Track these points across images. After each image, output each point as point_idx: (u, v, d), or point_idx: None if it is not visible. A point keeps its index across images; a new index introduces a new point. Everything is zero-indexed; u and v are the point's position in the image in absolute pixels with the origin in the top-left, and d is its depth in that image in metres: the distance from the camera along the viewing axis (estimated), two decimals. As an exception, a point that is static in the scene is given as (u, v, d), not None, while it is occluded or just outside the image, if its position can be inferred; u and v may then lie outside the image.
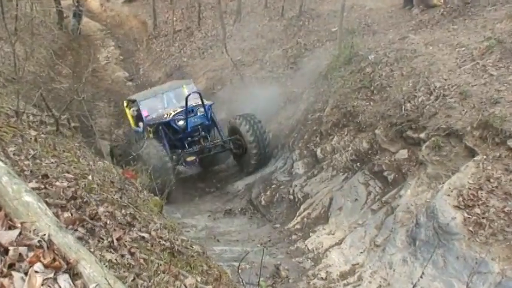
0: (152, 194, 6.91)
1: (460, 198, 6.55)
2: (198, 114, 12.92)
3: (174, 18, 24.19)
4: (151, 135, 13.26)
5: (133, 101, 14.37)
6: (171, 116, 12.84)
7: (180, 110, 12.79)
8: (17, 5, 13.21)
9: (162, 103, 13.79)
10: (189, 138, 13.20)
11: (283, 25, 18.67)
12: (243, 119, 12.96)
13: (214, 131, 13.79)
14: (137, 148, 11.94)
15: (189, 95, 12.52)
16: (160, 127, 13.07)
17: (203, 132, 13.31)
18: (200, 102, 12.64)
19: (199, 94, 12.69)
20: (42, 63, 17.54)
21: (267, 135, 12.94)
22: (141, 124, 13.90)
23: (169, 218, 6.57)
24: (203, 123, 13.06)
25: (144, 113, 13.50)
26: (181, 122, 12.75)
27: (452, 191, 6.72)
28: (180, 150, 12.90)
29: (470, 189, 6.61)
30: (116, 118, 18.40)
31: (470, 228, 6.16)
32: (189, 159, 12.74)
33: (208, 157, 13.70)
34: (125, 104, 15.35)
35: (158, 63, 22.81)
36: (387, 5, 16.07)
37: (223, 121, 14.04)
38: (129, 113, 14.81)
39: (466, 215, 6.33)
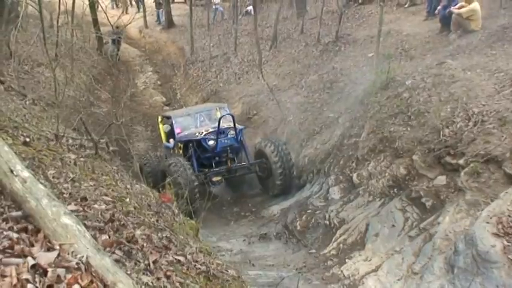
0: (188, 218, 6.94)
1: (500, 226, 6.39)
2: (229, 136, 13.17)
3: (211, 44, 24.50)
4: (180, 152, 13.64)
5: (168, 118, 14.82)
6: (202, 135, 13.11)
7: (212, 130, 13.06)
8: (57, 32, 13.59)
9: (195, 122, 14.28)
10: (217, 158, 13.47)
11: (319, 50, 18.71)
12: (268, 141, 13.36)
13: (242, 154, 14.03)
14: (165, 164, 12.35)
15: (222, 116, 12.93)
16: (190, 144, 13.35)
17: (231, 154, 13.57)
18: (232, 125, 12.88)
19: (232, 117, 12.99)
20: (82, 88, 17.90)
21: (291, 157, 13.14)
22: (171, 140, 14.35)
23: (205, 241, 6.57)
24: (232, 145, 13.30)
25: (177, 130, 14.01)
26: (211, 142, 13.00)
27: (491, 218, 6.57)
28: (207, 170, 13.13)
29: (510, 216, 6.45)
30: (153, 142, 18.66)
31: (510, 257, 6.00)
32: (215, 179, 12.98)
33: (234, 179, 13.94)
34: (159, 120, 15.85)
35: (195, 88, 23.06)
36: (424, 31, 15.97)
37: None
38: (162, 128, 15.27)
39: (505, 242, 6.17)
